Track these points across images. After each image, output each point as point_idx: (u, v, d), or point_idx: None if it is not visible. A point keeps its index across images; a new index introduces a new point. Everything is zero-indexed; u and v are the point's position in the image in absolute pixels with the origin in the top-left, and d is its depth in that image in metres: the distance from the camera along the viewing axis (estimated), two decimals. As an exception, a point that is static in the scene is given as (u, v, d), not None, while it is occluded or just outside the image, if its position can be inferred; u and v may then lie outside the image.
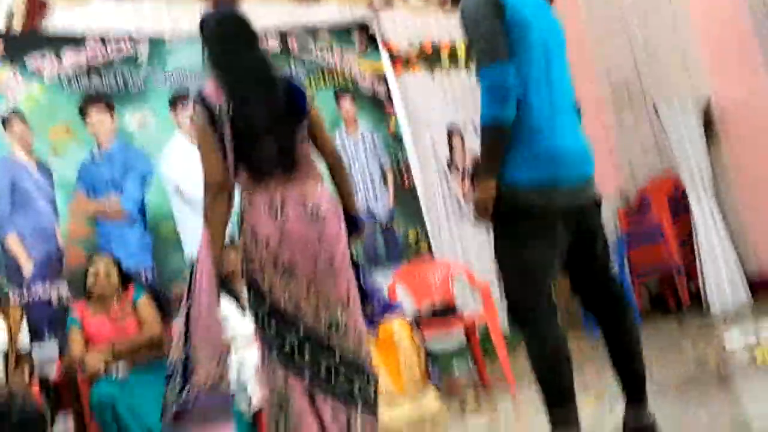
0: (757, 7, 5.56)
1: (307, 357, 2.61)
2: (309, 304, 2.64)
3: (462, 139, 6.50)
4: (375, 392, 2.72)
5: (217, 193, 2.66)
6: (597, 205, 2.62)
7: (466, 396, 4.34)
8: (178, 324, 2.66)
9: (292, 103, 2.76)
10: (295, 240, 2.64)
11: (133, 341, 3.78)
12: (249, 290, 2.70)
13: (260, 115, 2.68)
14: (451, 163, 6.41)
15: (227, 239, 4.56)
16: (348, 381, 2.63)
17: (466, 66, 6.58)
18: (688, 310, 5.86)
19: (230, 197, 2.70)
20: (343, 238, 2.76)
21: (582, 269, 2.61)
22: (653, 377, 3.47)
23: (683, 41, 6.00)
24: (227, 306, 4.18)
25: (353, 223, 2.90)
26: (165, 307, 4.02)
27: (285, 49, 5.96)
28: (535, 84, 2.44)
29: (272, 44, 5.87)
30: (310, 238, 2.66)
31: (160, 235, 5.32)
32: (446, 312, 4.57)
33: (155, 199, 5.36)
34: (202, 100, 2.69)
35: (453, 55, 6.62)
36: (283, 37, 5.96)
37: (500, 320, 4.68)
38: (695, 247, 5.78)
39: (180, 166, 5.46)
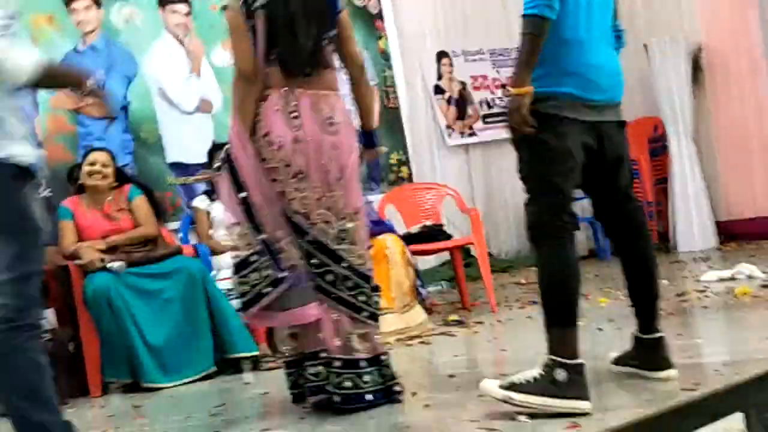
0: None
1: (314, 264, 2.61)
2: (320, 211, 2.61)
3: (451, 64, 6.46)
4: (378, 302, 2.76)
5: (247, 84, 2.62)
6: (621, 127, 2.61)
7: (449, 314, 4.41)
8: (233, 218, 2.63)
9: (326, 1, 2.70)
10: (310, 146, 2.60)
11: (129, 236, 3.73)
12: None
13: (295, 9, 2.61)
14: (438, 89, 6.38)
15: (219, 143, 4.52)
16: (353, 290, 2.64)
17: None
18: (655, 249, 6.03)
19: (259, 89, 2.64)
20: (355, 149, 2.73)
21: (604, 193, 2.62)
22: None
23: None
24: (221, 212, 4.14)
25: (368, 140, 2.87)
26: (159, 208, 3.96)
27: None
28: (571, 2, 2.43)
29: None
30: (324, 146, 2.62)
31: (141, 137, 5.21)
32: (435, 234, 4.61)
33: (138, 100, 5.22)
34: None
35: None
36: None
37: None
38: (669, 188, 5.92)
39: (165, 68, 5.32)
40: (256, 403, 3.06)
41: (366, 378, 2.60)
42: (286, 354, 2.71)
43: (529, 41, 2.35)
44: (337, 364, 2.58)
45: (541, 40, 2.35)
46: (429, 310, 4.45)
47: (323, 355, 2.60)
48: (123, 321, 3.45)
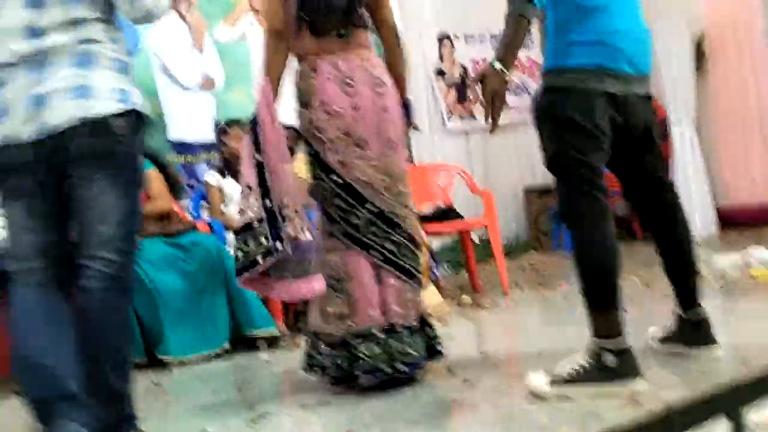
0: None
1: (376, 233, 2.57)
2: (381, 177, 2.59)
3: (452, 47, 6.40)
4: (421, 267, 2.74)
5: (277, 42, 2.62)
6: (648, 101, 2.50)
7: (461, 296, 4.37)
8: (247, 180, 2.57)
9: None
10: (367, 112, 2.57)
11: (143, 210, 3.62)
12: (314, 169, 2.62)
13: None
14: (439, 71, 6.31)
15: (230, 120, 4.45)
16: (409, 257, 2.62)
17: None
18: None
19: (288, 48, 2.64)
20: (400, 110, 2.70)
21: (632, 170, 2.53)
22: (656, 292, 3.59)
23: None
24: (233, 187, 4.06)
25: (403, 108, 2.78)
26: (172, 183, 3.86)
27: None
28: None
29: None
30: (378, 110, 2.59)
31: (142, 113, 5.09)
32: (447, 215, 4.57)
33: (139, 75, 5.07)
34: None
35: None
36: None
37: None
38: (670, 173, 5.92)
39: (167, 43, 5.20)
40: (284, 380, 3.00)
41: (419, 341, 2.58)
42: (334, 333, 2.61)
43: (510, 21, 2.24)
44: (404, 332, 2.54)
45: (524, 19, 2.24)
46: (441, 291, 4.41)
47: (375, 331, 2.53)
48: (141, 291, 3.34)
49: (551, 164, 2.43)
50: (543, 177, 6.66)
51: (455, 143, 6.44)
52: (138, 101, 2.04)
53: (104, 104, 1.95)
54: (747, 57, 5.80)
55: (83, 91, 1.94)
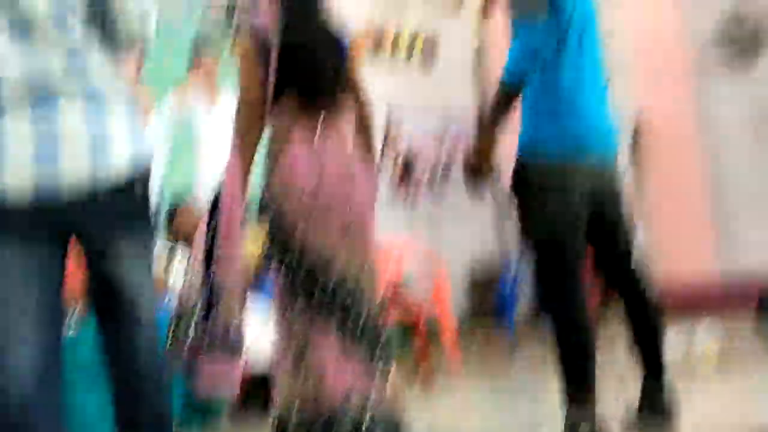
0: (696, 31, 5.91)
1: (338, 310, 2.51)
2: (350, 250, 2.53)
3: (398, 122, 6.47)
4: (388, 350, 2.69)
5: (252, 113, 2.52)
6: (618, 178, 2.60)
7: (407, 378, 4.32)
8: (194, 259, 2.52)
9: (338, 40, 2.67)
10: (339, 181, 2.53)
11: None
12: (275, 237, 2.56)
13: (310, 39, 2.57)
14: (385, 145, 6.37)
15: (176, 201, 4.38)
16: (376, 337, 2.55)
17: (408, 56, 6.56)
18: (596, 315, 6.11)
19: (264, 119, 2.55)
20: (374, 187, 2.68)
21: (605, 243, 2.58)
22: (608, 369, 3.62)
23: (617, 52, 6.28)
24: (180, 269, 3.97)
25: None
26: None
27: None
28: (567, 57, 2.43)
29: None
30: (349, 179, 2.55)
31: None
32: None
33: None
34: (252, 29, 2.54)
35: (396, 44, 6.57)
36: None
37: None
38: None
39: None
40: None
41: (391, 423, 2.49)
42: (307, 418, 2.51)
43: (504, 103, 2.38)
44: (375, 408, 2.47)
45: (516, 102, 2.37)
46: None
47: (351, 404, 2.45)
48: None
49: (527, 239, 2.48)
50: (488, 254, 6.74)
51: (400, 217, 6.47)
52: (149, 146, 1.87)
53: (126, 162, 1.76)
54: (682, 141, 6.06)
55: (102, 145, 1.72)
